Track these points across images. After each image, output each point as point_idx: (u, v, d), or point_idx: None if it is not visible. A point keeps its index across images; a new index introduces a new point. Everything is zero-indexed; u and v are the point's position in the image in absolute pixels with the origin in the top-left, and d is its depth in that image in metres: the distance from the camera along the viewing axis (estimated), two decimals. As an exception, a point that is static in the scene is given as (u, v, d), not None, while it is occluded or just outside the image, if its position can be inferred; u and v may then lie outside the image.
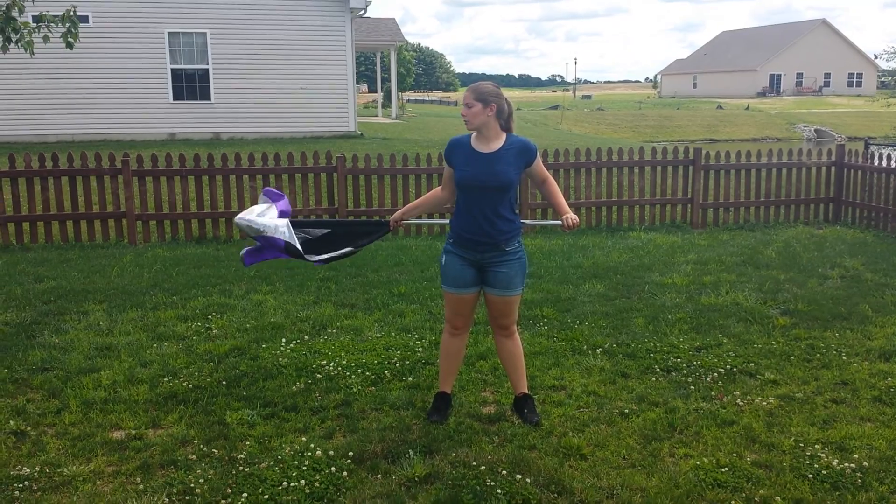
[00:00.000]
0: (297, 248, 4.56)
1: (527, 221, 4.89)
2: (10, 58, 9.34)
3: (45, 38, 7.61)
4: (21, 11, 7.48)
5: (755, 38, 78.19)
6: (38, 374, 4.96)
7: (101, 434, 4.12)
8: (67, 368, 5.04)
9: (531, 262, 8.02)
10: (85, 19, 17.47)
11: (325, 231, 4.74)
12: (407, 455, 3.85)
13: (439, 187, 4.44)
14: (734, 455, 3.89)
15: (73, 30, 7.61)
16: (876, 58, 59.54)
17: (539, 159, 4.23)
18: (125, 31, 18.66)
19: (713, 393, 4.69)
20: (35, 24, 7.74)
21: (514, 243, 4.16)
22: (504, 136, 4.13)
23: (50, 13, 7.84)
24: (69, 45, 7.60)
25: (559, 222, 4.18)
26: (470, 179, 4.06)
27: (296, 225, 4.74)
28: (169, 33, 18.97)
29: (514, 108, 4.21)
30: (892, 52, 49.09)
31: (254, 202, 9.47)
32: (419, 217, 4.68)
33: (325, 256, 4.67)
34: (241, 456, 3.86)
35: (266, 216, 4.68)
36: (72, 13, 7.69)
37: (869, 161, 10.53)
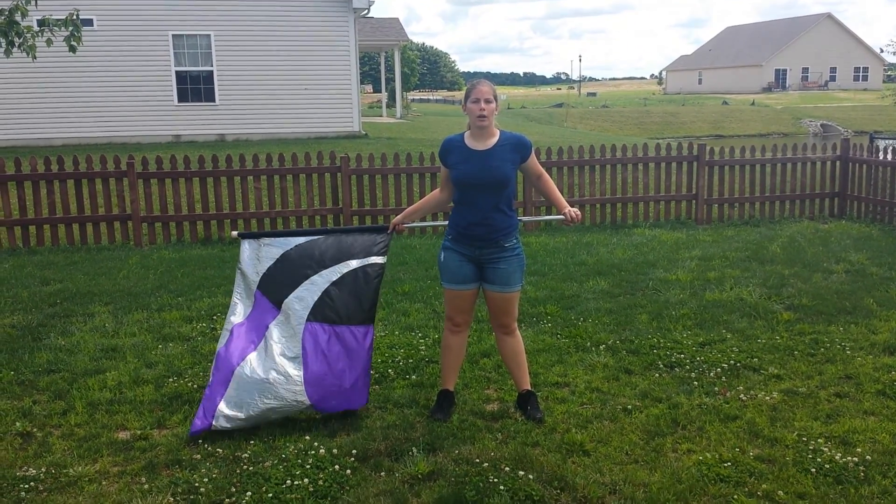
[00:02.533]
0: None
1: (525, 218, 4.88)
2: (16, 62, 9.41)
3: (49, 42, 7.63)
4: (24, 15, 7.51)
5: (760, 33, 77.97)
6: (44, 375, 5.00)
7: (107, 435, 4.14)
8: (73, 370, 5.07)
9: (535, 260, 8.03)
10: (89, 23, 17.55)
11: (310, 238, 4.49)
12: (410, 453, 3.86)
13: (438, 189, 4.44)
14: (737, 450, 3.89)
15: (76, 33, 7.63)
16: (882, 51, 59.23)
17: (533, 155, 4.23)
18: (129, 33, 18.72)
19: (716, 388, 4.69)
20: (38, 29, 7.76)
21: (512, 239, 4.17)
22: (498, 132, 4.14)
23: (53, 17, 7.85)
24: (72, 49, 7.62)
25: (562, 217, 4.19)
26: (467, 177, 4.07)
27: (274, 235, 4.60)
28: (173, 35, 19.03)
29: None
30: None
31: (258, 204, 9.53)
32: (423, 219, 4.65)
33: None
34: (246, 455, 3.88)
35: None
36: (75, 17, 7.71)
37: (874, 155, 10.49)
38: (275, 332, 4.31)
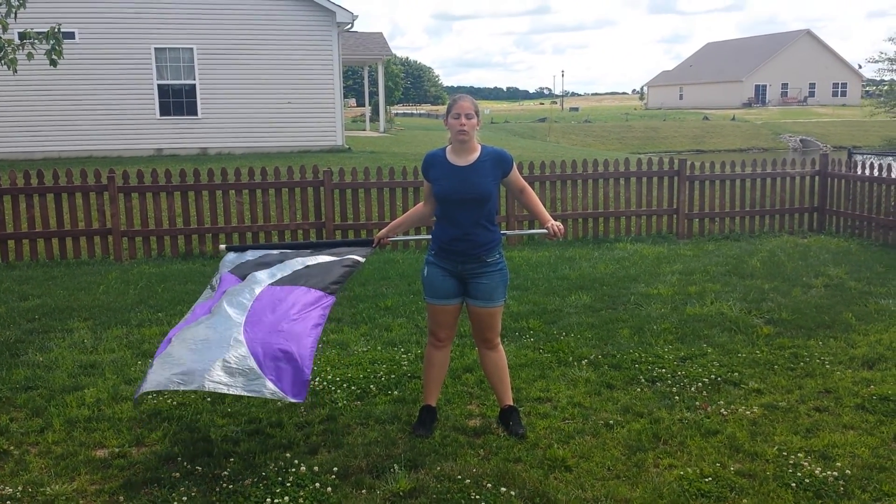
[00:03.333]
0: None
1: (508, 232, 4.89)
2: (-5, 75, 9.32)
3: (29, 56, 7.60)
4: (5, 29, 7.47)
5: (741, 49, 78.87)
6: (21, 392, 4.93)
7: (85, 452, 4.09)
8: (51, 387, 5.01)
9: (518, 275, 8.04)
10: (71, 35, 17.47)
11: (292, 250, 4.59)
12: (392, 469, 3.84)
13: (422, 203, 4.45)
14: (718, 465, 3.90)
15: (56, 47, 7.60)
16: (860, 67, 60.17)
17: (515, 169, 4.25)
18: (111, 46, 18.65)
19: (697, 403, 4.70)
20: (19, 42, 7.72)
21: (495, 254, 4.18)
22: (479, 147, 4.15)
23: (35, 30, 7.82)
24: (53, 63, 7.59)
25: (545, 231, 4.20)
26: (448, 193, 4.08)
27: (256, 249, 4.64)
28: (155, 49, 18.98)
29: None
30: (875, 61, 49.79)
31: (240, 219, 9.49)
32: (406, 233, 4.65)
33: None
34: (225, 473, 3.84)
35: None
36: (56, 30, 7.68)
37: (852, 170, 10.62)
38: (228, 291, 4.20)
